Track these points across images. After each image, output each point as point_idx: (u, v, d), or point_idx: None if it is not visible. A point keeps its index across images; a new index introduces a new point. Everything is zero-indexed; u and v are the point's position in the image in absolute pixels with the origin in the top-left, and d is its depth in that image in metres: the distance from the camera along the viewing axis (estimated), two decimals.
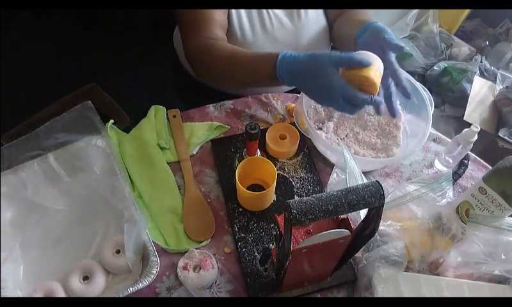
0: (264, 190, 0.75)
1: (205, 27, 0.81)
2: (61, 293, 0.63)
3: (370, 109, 0.86)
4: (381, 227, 0.68)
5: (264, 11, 0.88)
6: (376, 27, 0.74)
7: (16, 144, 0.70)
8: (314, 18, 0.93)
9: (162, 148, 0.82)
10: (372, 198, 0.46)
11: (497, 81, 1.81)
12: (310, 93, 0.70)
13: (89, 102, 0.74)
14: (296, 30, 0.91)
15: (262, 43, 0.90)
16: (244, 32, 0.88)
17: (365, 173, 0.81)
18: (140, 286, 0.61)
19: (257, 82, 0.81)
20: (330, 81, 0.64)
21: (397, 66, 0.70)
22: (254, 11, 0.88)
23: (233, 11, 0.86)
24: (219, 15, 0.84)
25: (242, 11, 0.87)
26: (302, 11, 0.90)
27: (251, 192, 0.71)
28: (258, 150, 0.79)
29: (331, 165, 0.78)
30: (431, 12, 1.98)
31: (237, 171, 0.71)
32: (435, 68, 1.92)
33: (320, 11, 0.94)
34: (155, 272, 0.63)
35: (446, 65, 1.90)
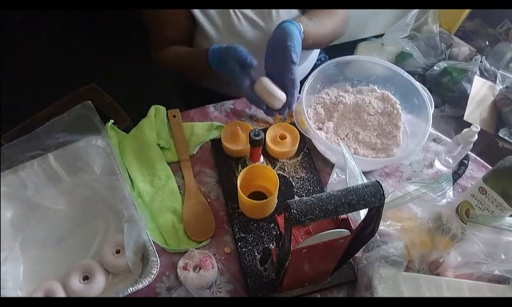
0: (266, 197, 0.74)
1: (161, 43, 0.92)
2: (61, 293, 0.63)
3: (370, 109, 0.86)
4: (381, 227, 0.68)
5: (231, 11, 0.87)
6: (284, 29, 0.74)
7: (16, 144, 0.70)
8: (286, 17, 0.89)
9: (162, 148, 0.82)
10: (372, 198, 0.46)
11: (497, 81, 1.81)
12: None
13: (89, 102, 0.74)
14: (268, 31, 0.87)
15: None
16: (212, 35, 0.87)
17: (365, 173, 0.81)
18: (140, 286, 0.61)
19: (200, 73, 0.91)
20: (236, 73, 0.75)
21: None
22: (217, 14, 0.87)
23: (198, 14, 0.86)
24: (174, 32, 0.89)
25: (208, 13, 0.86)
26: (273, 10, 0.88)
27: (252, 200, 0.70)
28: (261, 156, 0.78)
29: (331, 165, 0.78)
30: (431, 12, 1.98)
31: (238, 179, 0.70)
32: (435, 68, 1.92)
33: (293, 10, 0.91)
34: (155, 272, 0.63)
35: (446, 65, 1.90)
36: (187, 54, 0.89)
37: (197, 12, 0.86)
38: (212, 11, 0.87)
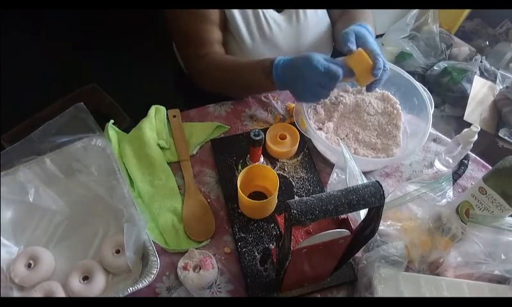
0: (266, 197, 0.74)
1: (203, 48, 0.85)
2: (61, 293, 0.63)
3: (370, 109, 0.86)
4: (381, 227, 0.68)
5: (262, 16, 0.86)
6: (361, 32, 0.76)
7: (10, 151, 0.69)
8: (314, 21, 0.92)
9: (162, 148, 0.82)
10: (372, 198, 0.46)
11: (497, 81, 1.81)
12: (295, 82, 0.74)
13: (82, 103, 0.73)
14: (296, 34, 0.91)
15: (262, 50, 0.89)
16: (243, 41, 0.87)
17: (365, 173, 0.81)
18: (140, 286, 0.61)
19: (255, 88, 0.88)
20: (312, 59, 0.70)
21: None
22: (251, 17, 0.86)
23: (230, 19, 0.85)
24: (215, 32, 0.85)
25: (239, 19, 0.85)
26: (301, 13, 0.89)
27: (252, 200, 0.70)
28: (261, 156, 0.78)
29: (331, 165, 0.78)
30: (431, 12, 1.98)
31: (238, 179, 0.70)
32: (435, 68, 1.92)
33: (321, 13, 0.93)
34: (155, 272, 0.63)
35: (446, 65, 1.90)
36: (239, 66, 0.83)
37: (235, 13, 0.84)
38: (249, 13, 0.85)
